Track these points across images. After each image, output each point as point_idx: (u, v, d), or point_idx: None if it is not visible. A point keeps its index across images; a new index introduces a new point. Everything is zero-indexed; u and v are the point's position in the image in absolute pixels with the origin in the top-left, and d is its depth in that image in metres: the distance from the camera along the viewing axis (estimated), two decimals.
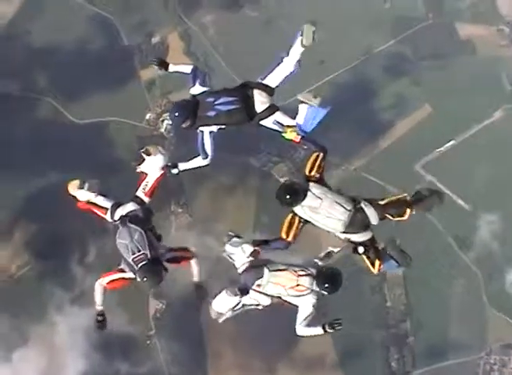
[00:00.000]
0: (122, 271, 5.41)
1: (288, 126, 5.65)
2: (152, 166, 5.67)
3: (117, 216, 5.54)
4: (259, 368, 17.06)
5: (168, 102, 17.50)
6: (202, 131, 5.63)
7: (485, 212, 17.62)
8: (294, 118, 5.68)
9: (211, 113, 5.54)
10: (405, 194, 5.57)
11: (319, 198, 5.26)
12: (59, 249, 17.38)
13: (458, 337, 17.52)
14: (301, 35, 5.56)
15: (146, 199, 5.69)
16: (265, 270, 5.22)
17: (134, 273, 5.27)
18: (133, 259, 5.21)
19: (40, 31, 18.20)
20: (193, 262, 5.74)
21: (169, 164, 5.79)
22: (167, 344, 17.28)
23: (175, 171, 5.83)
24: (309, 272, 5.20)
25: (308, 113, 5.60)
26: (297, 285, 5.15)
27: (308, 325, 5.18)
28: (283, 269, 5.24)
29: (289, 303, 5.29)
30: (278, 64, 5.70)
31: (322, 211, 5.25)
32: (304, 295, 5.14)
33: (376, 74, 17.91)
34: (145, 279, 5.14)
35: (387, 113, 17.76)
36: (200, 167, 5.79)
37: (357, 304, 17.19)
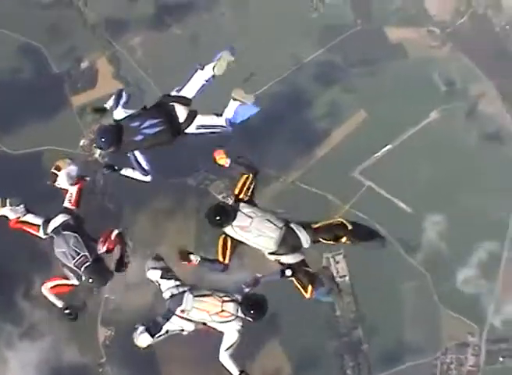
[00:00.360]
0: (66, 278, 5.48)
1: (219, 153, 5.62)
2: (67, 179, 5.78)
3: (50, 230, 5.64)
4: None
5: None
6: (133, 154, 5.65)
7: (428, 213, 17.66)
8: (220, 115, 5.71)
9: (138, 138, 5.55)
10: (339, 219, 5.40)
11: (249, 216, 5.27)
12: (4, 284, 17.16)
13: (412, 340, 17.51)
14: (218, 60, 5.64)
15: (73, 208, 5.82)
16: (189, 296, 5.20)
17: (79, 279, 5.32)
18: (74, 264, 5.27)
19: None
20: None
21: (109, 164, 5.85)
22: (119, 371, 17.11)
23: (107, 171, 5.79)
24: (234, 298, 5.19)
25: (239, 110, 5.64)
26: (222, 311, 5.12)
27: (232, 355, 5.15)
28: (208, 295, 5.22)
29: (215, 329, 5.23)
30: (192, 75, 5.70)
31: (253, 229, 5.23)
32: (228, 321, 5.11)
33: (308, 84, 17.91)
34: (91, 280, 5.23)
35: (321, 122, 17.77)
36: (141, 181, 5.82)
37: (306, 315, 17.13)
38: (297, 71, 17.96)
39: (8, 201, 5.87)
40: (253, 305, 5.08)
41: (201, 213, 17.41)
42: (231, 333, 5.11)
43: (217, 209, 5.28)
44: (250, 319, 5.08)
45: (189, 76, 5.66)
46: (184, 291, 5.26)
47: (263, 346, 16.73)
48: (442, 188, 17.68)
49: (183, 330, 5.34)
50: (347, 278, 17.43)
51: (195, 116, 5.69)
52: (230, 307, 5.10)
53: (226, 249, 5.32)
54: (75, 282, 5.46)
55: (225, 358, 5.13)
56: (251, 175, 5.48)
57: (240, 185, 5.48)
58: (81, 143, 17.52)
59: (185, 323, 5.27)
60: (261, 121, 17.23)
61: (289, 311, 16.86)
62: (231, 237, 5.31)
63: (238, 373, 5.09)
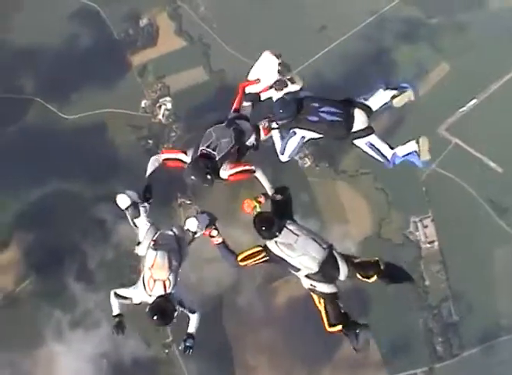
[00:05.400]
0: (185, 153, 5.47)
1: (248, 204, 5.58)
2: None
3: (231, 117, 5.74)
4: None
5: (164, 86, 16.16)
6: (295, 133, 5.58)
7: None
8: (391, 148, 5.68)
9: (314, 118, 5.52)
10: (377, 258, 5.43)
11: (295, 234, 5.32)
12: (53, 263, 15.76)
13: (506, 311, 16.00)
14: (401, 93, 5.62)
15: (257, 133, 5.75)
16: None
17: (191, 161, 5.38)
18: (201, 150, 5.32)
19: (22, 29, 16.85)
20: (258, 174, 5.66)
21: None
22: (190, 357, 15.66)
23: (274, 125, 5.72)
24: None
25: (411, 155, 5.66)
26: None
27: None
28: None
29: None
30: (379, 90, 5.71)
31: (298, 248, 5.26)
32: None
33: (385, 36, 16.62)
34: (192, 177, 5.24)
35: (402, 76, 16.32)
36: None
37: (394, 286, 15.69)
38: (374, 23, 16.67)
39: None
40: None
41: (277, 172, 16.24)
42: None
43: (263, 220, 5.31)
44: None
45: (375, 91, 5.66)
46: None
47: None
48: None
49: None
50: (436, 244, 16.02)
51: (370, 133, 5.63)
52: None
53: (251, 259, 5.37)
54: (188, 160, 5.43)
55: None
56: (285, 196, 5.61)
57: (273, 209, 5.57)
58: (143, 104, 16.31)
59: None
60: (339, 76, 16.01)
61: (375, 284, 15.46)
62: (265, 254, 5.34)
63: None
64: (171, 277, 5.20)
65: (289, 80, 5.69)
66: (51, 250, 15.82)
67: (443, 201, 15.95)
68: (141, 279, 5.27)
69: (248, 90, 5.88)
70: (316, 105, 5.51)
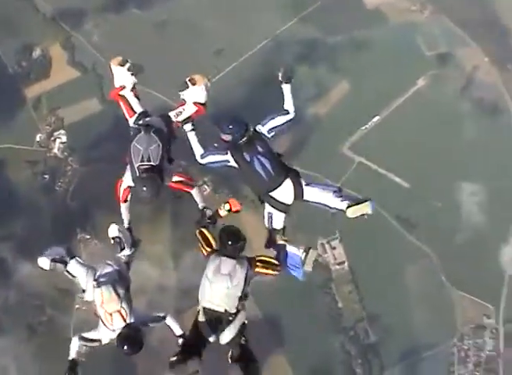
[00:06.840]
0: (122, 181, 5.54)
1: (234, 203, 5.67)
2: (193, 97, 5.65)
3: (141, 122, 5.63)
4: None
5: (58, 119, 15.73)
6: (227, 152, 5.49)
7: (425, 187, 16.21)
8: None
9: (246, 157, 5.38)
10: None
11: (229, 273, 5.23)
12: None
13: (424, 327, 15.81)
14: (351, 205, 5.57)
15: (174, 122, 5.74)
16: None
17: (133, 180, 5.35)
18: (138, 166, 5.29)
19: None
20: (193, 191, 5.81)
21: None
22: None
23: (188, 127, 5.68)
24: None
25: (291, 261, 5.69)
26: None
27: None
28: None
29: None
30: (328, 191, 5.68)
31: (216, 280, 5.18)
32: None
33: (284, 57, 16.48)
34: (144, 188, 5.21)
35: (303, 97, 16.22)
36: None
37: (306, 311, 15.41)
38: (271, 45, 16.60)
39: (128, 64, 5.81)
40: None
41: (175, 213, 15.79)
42: None
43: (233, 234, 5.36)
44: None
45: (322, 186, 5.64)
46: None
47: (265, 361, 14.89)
48: (435, 158, 16.31)
49: None
50: (346, 264, 15.79)
51: (282, 211, 5.63)
52: None
53: (208, 239, 5.41)
54: (129, 182, 5.44)
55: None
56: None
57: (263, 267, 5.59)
58: (37, 138, 15.85)
59: None
60: (235, 100, 15.85)
61: (288, 312, 15.14)
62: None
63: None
64: (124, 306, 5.21)
65: (189, 81, 5.62)
66: None
67: (350, 220, 15.72)
68: (100, 319, 5.30)
69: (122, 93, 5.82)
70: (259, 149, 5.34)
